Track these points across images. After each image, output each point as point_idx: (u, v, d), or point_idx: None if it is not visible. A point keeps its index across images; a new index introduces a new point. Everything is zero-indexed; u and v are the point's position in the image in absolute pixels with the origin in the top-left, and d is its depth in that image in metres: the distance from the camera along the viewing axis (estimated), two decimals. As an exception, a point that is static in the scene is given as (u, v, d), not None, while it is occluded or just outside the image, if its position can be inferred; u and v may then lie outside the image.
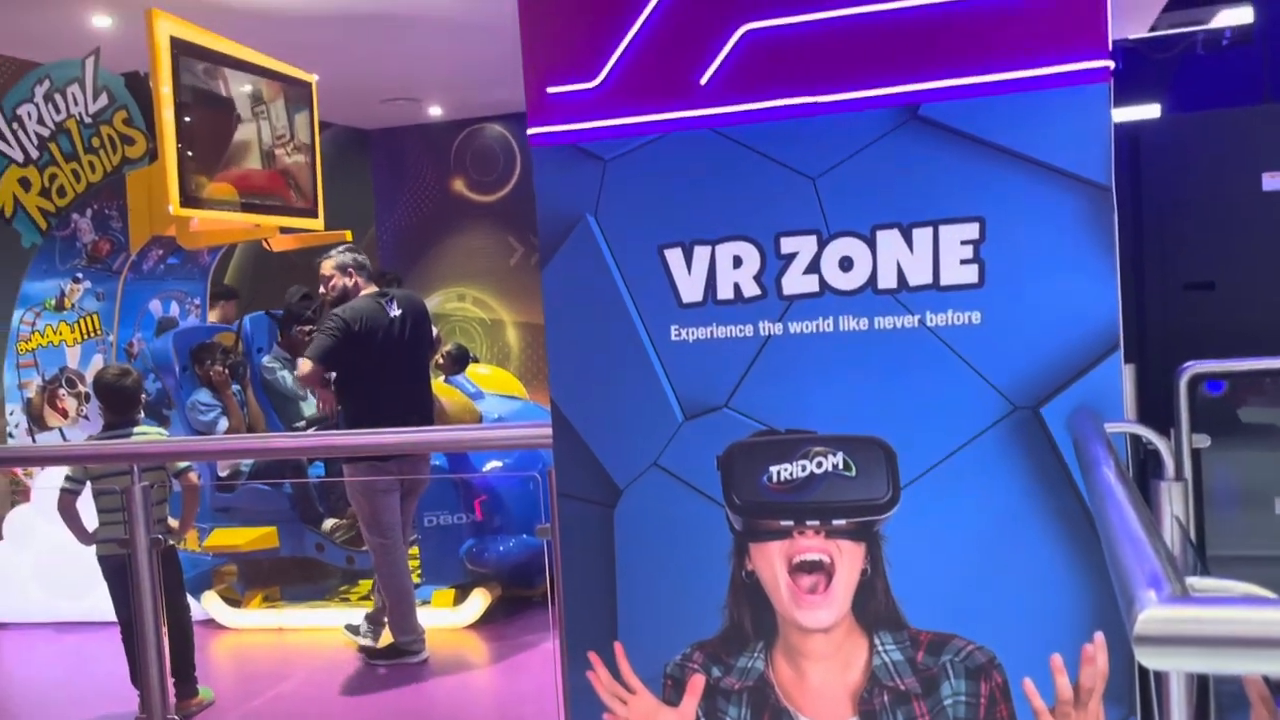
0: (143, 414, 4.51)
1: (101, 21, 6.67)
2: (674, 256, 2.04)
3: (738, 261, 2.01)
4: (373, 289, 5.00)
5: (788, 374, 2.00)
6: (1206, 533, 2.68)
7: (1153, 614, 0.85)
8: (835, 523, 1.97)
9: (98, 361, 5.95)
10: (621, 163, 2.08)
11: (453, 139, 11.14)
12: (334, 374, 4.84)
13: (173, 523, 4.42)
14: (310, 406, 6.22)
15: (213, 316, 6.72)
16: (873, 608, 1.98)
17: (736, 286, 2.01)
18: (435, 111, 10.70)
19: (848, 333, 1.96)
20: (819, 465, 1.97)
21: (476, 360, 7.72)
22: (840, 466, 1.97)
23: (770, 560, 2.02)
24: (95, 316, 6.00)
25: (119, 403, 4.31)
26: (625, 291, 2.08)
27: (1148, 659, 0.85)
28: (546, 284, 2.13)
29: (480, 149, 11.10)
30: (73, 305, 6.01)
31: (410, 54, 8.10)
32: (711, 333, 2.03)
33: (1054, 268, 1.85)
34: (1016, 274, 1.87)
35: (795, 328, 1.99)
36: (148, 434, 4.41)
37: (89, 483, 4.19)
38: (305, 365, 4.67)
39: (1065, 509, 1.87)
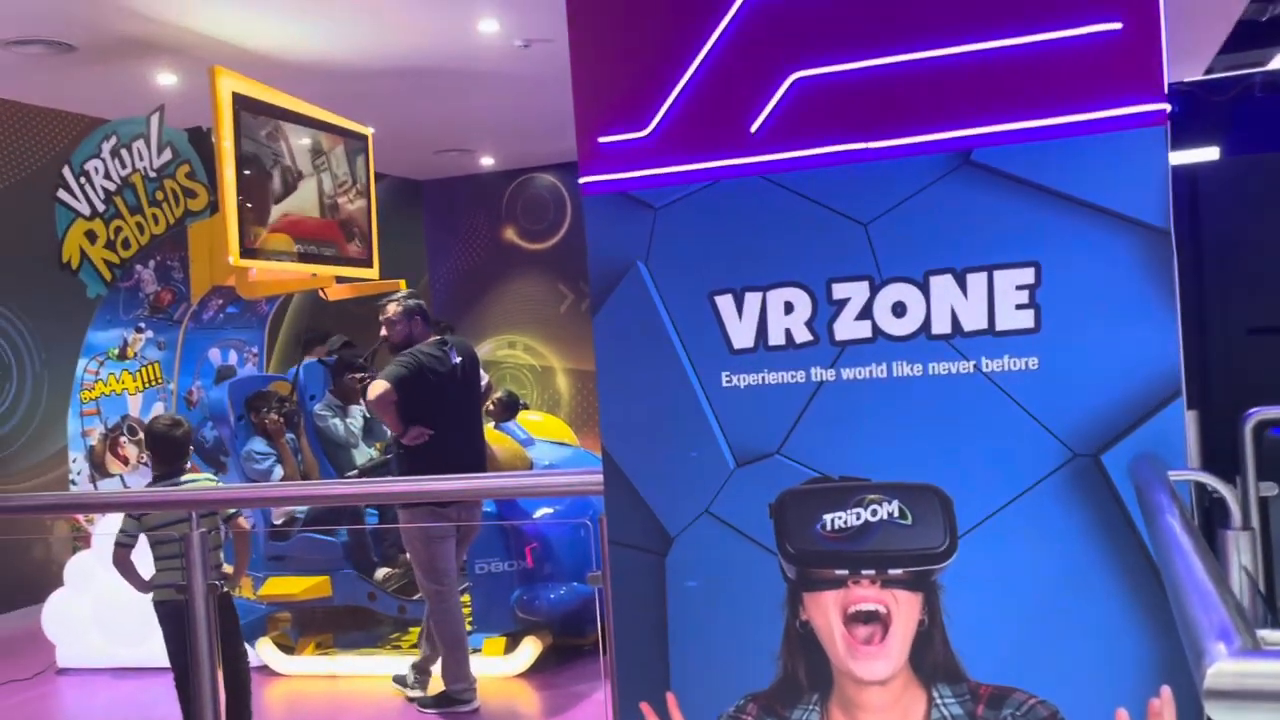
0: (190, 463, 4.58)
1: (166, 79, 6.88)
2: (725, 303, 2.04)
3: (789, 307, 2.00)
4: (434, 336, 5.07)
5: (841, 420, 1.98)
6: (1276, 583, 2.60)
7: (1222, 668, 0.83)
8: (891, 572, 1.94)
9: (158, 409, 6.07)
10: (672, 210, 2.09)
11: (504, 188, 11.30)
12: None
13: (227, 569, 4.47)
14: (362, 454, 6.27)
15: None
16: (931, 659, 1.94)
17: (788, 332, 2.01)
18: (487, 162, 10.87)
19: (902, 379, 1.94)
20: (874, 513, 1.95)
21: (527, 406, 7.75)
22: (896, 514, 1.94)
23: (825, 610, 1.99)
24: (156, 365, 6.13)
25: (169, 452, 4.38)
26: (676, 338, 2.08)
27: (1218, 714, 0.83)
28: (597, 331, 2.13)
29: (531, 198, 11.24)
30: (135, 354, 6.15)
31: (463, 106, 8.26)
32: (763, 379, 2.02)
33: (1113, 312, 1.82)
34: (1074, 319, 1.84)
35: (848, 373, 1.98)
36: (198, 481, 4.47)
37: (142, 534, 4.24)
38: (380, 385, 4.71)
39: (1129, 559, 1.83)
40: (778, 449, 2.02)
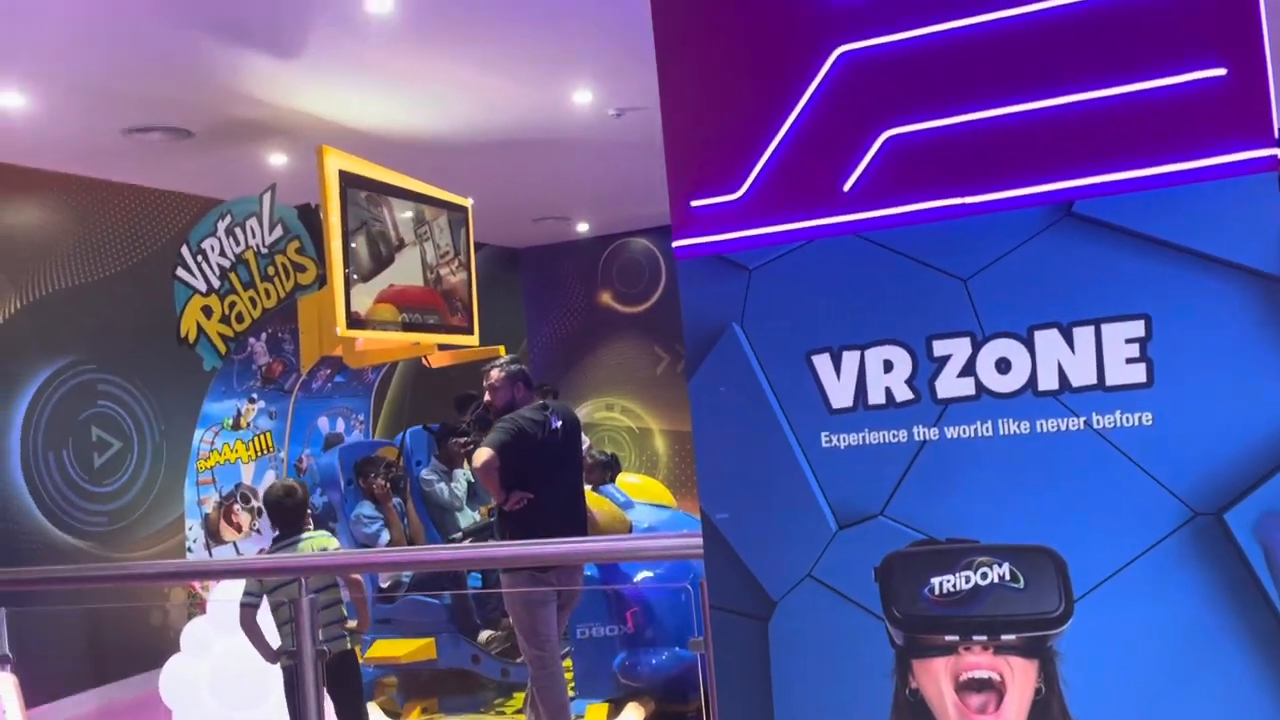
0: (311, 525, 4.69)
1: (278, 160, 7.15)
2: (822, 362, 2.03)
3: (888, 365, 1.98)
4: (536, 401, 5.13)
5: (945, 480, 1.94)
6: None
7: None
8: (1004, 638, 1.87)
9: (270, 477, 6.22)
10: (766, 271, 2.08)
11: (600, 253, 11.44)
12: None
13: (352, 624, 4.55)
14: (466, 518, 6.34)
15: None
16: (1049, 730, 1.86)
17: (888, 391, 1.98)
18: (583, 228, 11.03)
19: (1008, 437, 1.90)
20: (984, 576, 1.89)
21: (623, 469, 7.75)
22: (1007, 578, 1.87)
23: (935, 678, 1.92)
24: (268, 434, 6.30)
25: (286, 517, 4.51)
26: (773, 398, 2.06)
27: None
28: (693, 393, 2.13)
29: (626, 262, 11.35)
30: (248, 424, 6.32)
31: (559, 175, 8.40)
32: (864, 439, 2.00)
33: (1229, 364, 1.75)
34: (1188, 372, 1.78)
35: (951, 432, 1.94)
36: (315, 539, 4.57)
37: (265, 596, 4.35)
38: (484, 453, 4.75)
39: (1257, 622, 1.73)
40: (881, 510, 1.98)
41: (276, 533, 4.62)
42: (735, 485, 2.11)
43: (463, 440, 6.19)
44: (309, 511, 4.70)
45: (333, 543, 4.64)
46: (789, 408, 2.05)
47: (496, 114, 6.61)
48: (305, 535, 4.53)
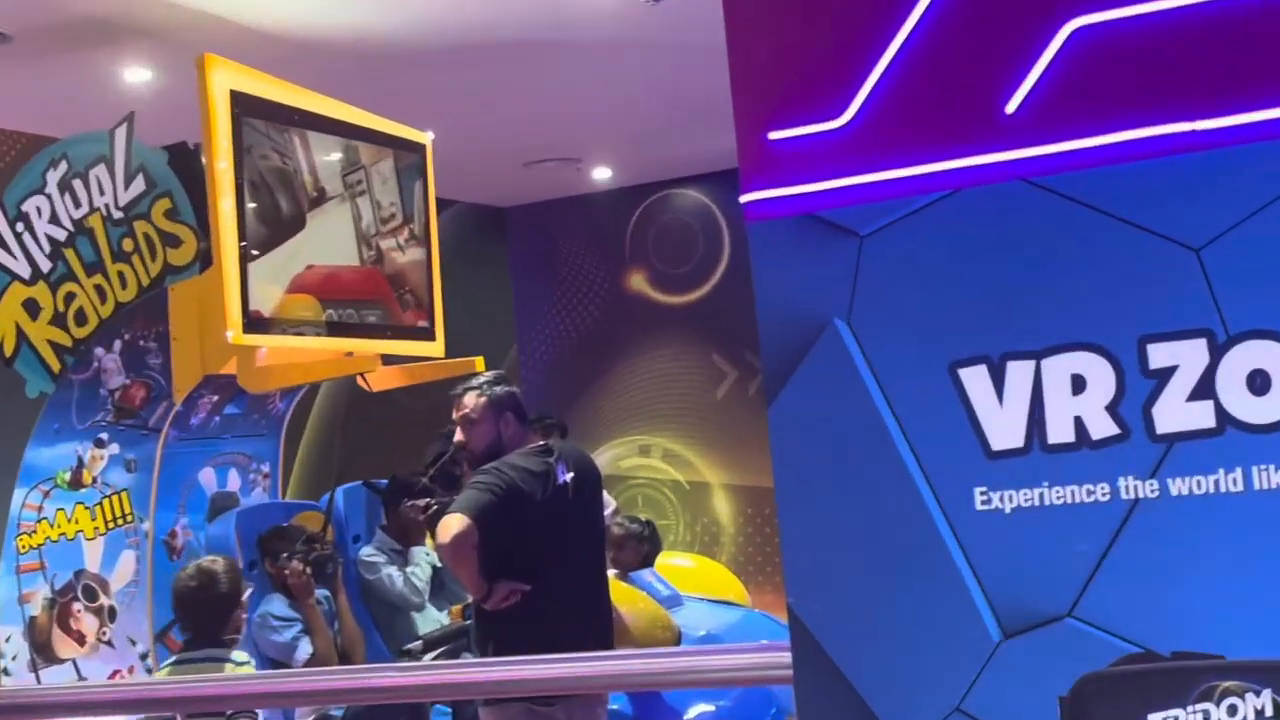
0: (240, 634, 4.74)
1: (136, 76, 7.20)
2: (975, 378, 2.03)
3: (1079, 383, 1.97)
4: (535, 441, 5.12)
5: (1170, 561, 1.94)
6: None
7: None
8: (1264, 805, 1.87)
9: (127, 561, 6.22)
10: (886, 238, 2.09)
11: (628, 214, 11.47)
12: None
13: None
14: (429, 620, 6.34)
15: None
16: None
17: (1079, 422, 1.98)
18: (601, 176, 11.05)
19: (1267, 493, 1.89)
20: (1232, 710, 1.88)
21: (661, 545, 7.73)
22: (1269, 712, 1.87)
23: None
24: (125, 496, 6.30)
25: (202, 620, 4.58)
26: (899, 435, 2.06)
27: None
28: (775, 427, 2.13)
29: (669, 227, 11.37)
30: (94, 480, 6.32)
31: (564, 95, 8.42)
32: (1041, 496, 1.99)
33: None
34: None
35: (1178, 486, 1.94)
36: (241, 667, 4.62)
37: None
38: (455, 522, 4.74)
39: None
40: (1069, 609, 1.98)
41: (184, 640, 4.66)
42: (840, 570, 2.11)
43: (423, 504, 6.21)
44: (240, 613, 4.74)
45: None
46: (923, 449, 2.05)
47: (467, 4, 6.63)
48: (234, 657, 4.57)
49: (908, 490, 2.05)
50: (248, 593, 5.01)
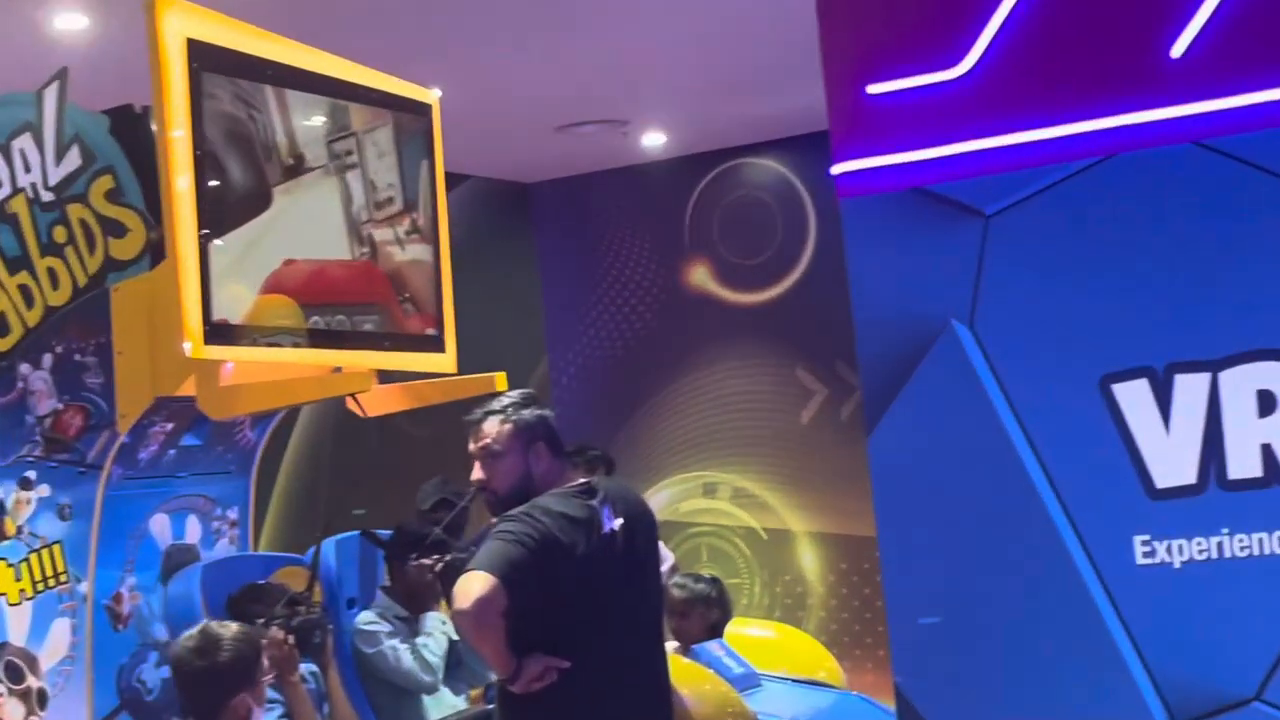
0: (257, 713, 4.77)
1: (69, 22, 7.25)
2: (1133, 397, 2.03)
3: (1268, 402, 1.97)
4: (572, 480, 5.12)
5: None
6: None
7: None
8: None
9: (60, 632, 6.26)
10: (1018, 218, 2.09)
11: (688, 190, 11.47)
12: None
13: None
14: (442, 706, 6.36)
15: None
16: None
17: (1268, 452, 1.97)
18: (652, 142, 11.06)
19: None
20: None
21: (730, 610, 7.72)
22: None
23: None
24: (57, 550, 6.33)
25: (207, 697, 4.61)
26: (1036, 469, 2.06)
27: None
28: (877, 460, 2.14)
29: (738, 207, 11.37)
30: (19, 530, 6.37)
31: (607, 37, 8.44)
32: (1219, 547, 1.98)
33: None
34: None
35: (1396, 533, 1.93)
36: None
37: None
38: (475, 583, 4.72)
39: None
40: (1257, 692, 1.97)
41: None
42: (960, 641, 2.11)
43: (434, 561, 6.21)
44: (245, 703, 4.77)
45: None
46: (1068, 487, 2.04)
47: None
48: None
49: (1048, 539, 2.05)
50: (265, 678, 5.01)
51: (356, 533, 6.66)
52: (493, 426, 5.08)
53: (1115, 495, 1.99)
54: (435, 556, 6.17)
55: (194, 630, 4.78)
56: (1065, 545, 2.01)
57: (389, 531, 6.53)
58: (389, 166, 6.55)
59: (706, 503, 11.45)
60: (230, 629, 4.78)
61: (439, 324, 6.80)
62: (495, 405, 5.16)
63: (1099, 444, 2.00)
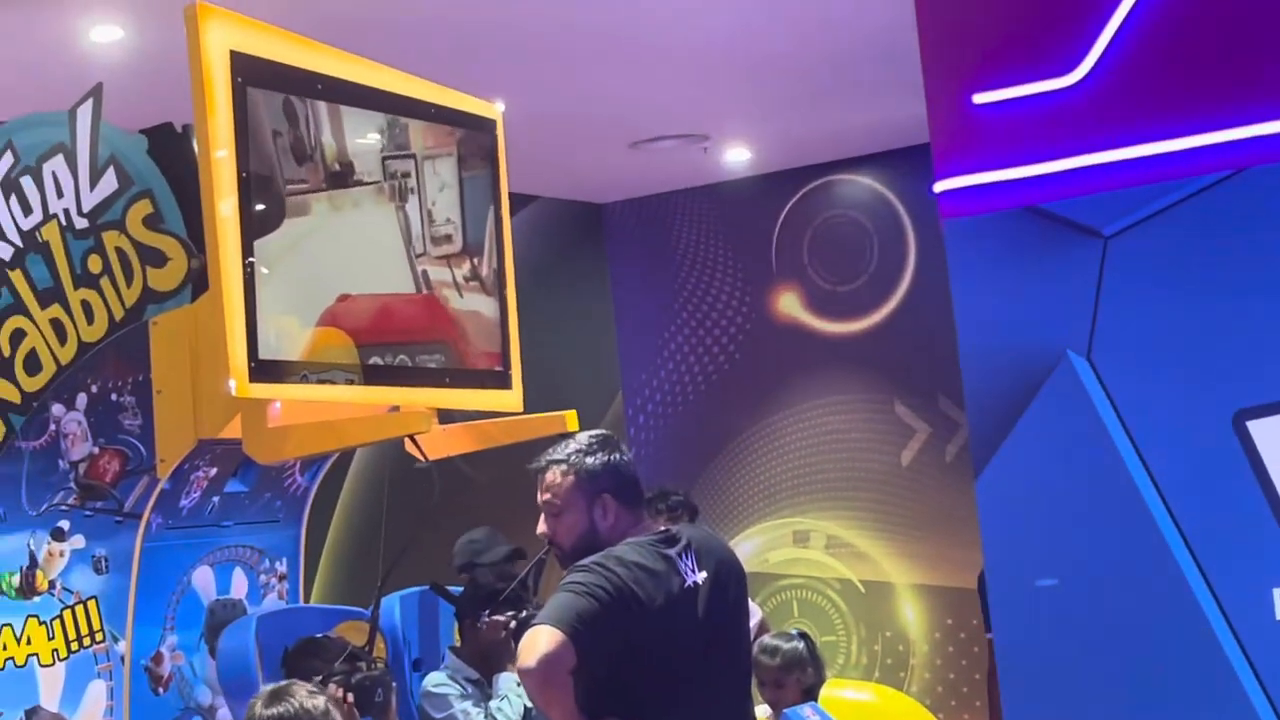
0: None
1: (105, 34, 7.32)
2: (1270, 433, 2.05)
3: None
4: (650, 527, 5.10)
5: None
6: None
7: None
8: None
9: (96, 695, 6.29)
10: (1140, 239, 2.09)
11: (776, 209, 11.48)
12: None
13: None
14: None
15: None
16: None
17: None
18: (736, 158, 11.07)
19: None
20: None
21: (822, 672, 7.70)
22: None
23: None
24: (93, 606, 6.37)
25: None
26: (1164, 515, 2.06)
27: None
28: (986, 505, 2.14)
29: (831, 228, 11.37)
30: (52, 585, 6.40)
31: (684, 48, 8.45)
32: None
33: None
34: None
35: None
36: None
37: None
38: (541, 640, 4.69)
39: None
40: None
41: None
42: (1080, 706, 2.10)
43: (508, 619, 6.19)
44: None
45: None
46: (1199, 535, 2.04)
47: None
48: None
49: (1177, 593, 2.04)
50: None
51: (419, 588, 6.66)
52: (554, 478, 5.06)
53: (1252, 544, 1.98)
54: (510, 613, 6.16)
55: (269, 691, 4.78)
56: (1196, 599, 1.99)
57: (459, 589, 6.52)
58: (449, 201, 6.51)
59: (798, 552, 11.43)
60: (320, 700, 4.79)
61: (504, 359, 6.78)
62: (559, 453, 5.13)
63: (1233, 487, 1.99)
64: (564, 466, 5.07)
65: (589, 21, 7.73)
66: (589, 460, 5.05)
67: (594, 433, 5.39)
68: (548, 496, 5.06)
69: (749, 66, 8.90)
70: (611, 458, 5.07)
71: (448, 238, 6.47)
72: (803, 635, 6.85)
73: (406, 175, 6.35)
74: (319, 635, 6.18)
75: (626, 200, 11.87)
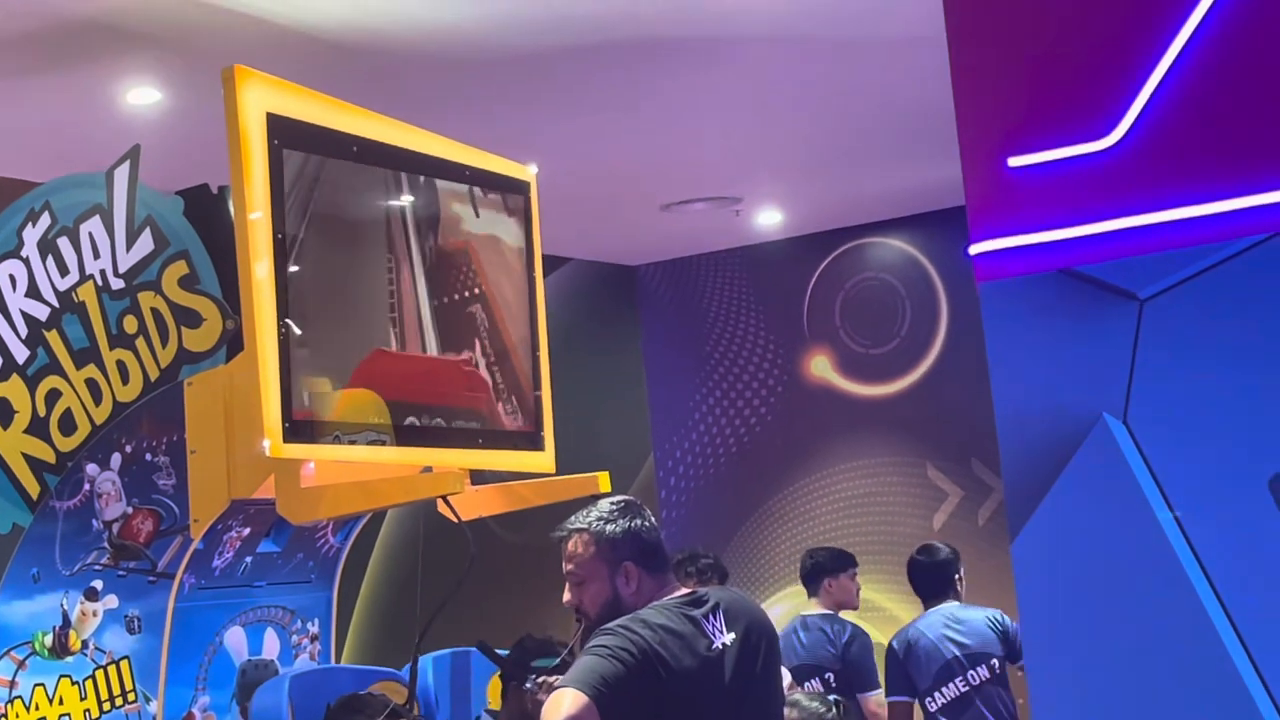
0: None
1: (142, 97, 7.34)
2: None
3: None
4: (677, 590, 5.08)
5: None
6: None
7: None
8: None
9: (129, 755, 6.29)
10: (1176, 302, 2.07)
11: (806, 274, 11.47)
12: None
13: None
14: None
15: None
16: None
17: None
18: (768, 221, 11.08)
19: None
20: None
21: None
22: None
23: None
24: (125, 666, 6.36)
25: None
26: (1203, 584, 2.03)
27: None
28: (1022, 570, 2.13)
29: (863, 291, 11.36)
30: (84, 644, 6.39)
31: (716, 112, 8.47)
32: None
33: None
34: None
35: None
36: None
37: None
38: (565, 704, 4.68)
39: None
40: None
41: None
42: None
43: (540, 683, 6.16)
44: None
45: None
46: (1238, 603, 2.01)
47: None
48: None
49: (1219, 667, 2.01)
50: None
51: (450, 650, 6.64)
52: (576, 547, 5.04)
53: (1299, 621, 1.94)
54: (552, 679, 6.12)
55: None
56: (1239, 675, 1.96)
57: (506, 651, 6.48)
58: (485, 244, 6.55)
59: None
60: None
61: (537, 420, 6.79)
62: (580, 520, 5.11)
63: (1271, 551, 1.96)
64: (586, 535, 5.04)
65: (620, 84, 7.75)
66: (609, 528, 5.03)
67: (616, 499, 5.36)
68: (571, 566, 5.05)
69: (781, 130, 8.91)
70: (633, 524, 5.04)
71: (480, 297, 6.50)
72: (835, 702, 6.78)
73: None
74: (361, 692, 6.17)
75: (658, 262, 11.88)
